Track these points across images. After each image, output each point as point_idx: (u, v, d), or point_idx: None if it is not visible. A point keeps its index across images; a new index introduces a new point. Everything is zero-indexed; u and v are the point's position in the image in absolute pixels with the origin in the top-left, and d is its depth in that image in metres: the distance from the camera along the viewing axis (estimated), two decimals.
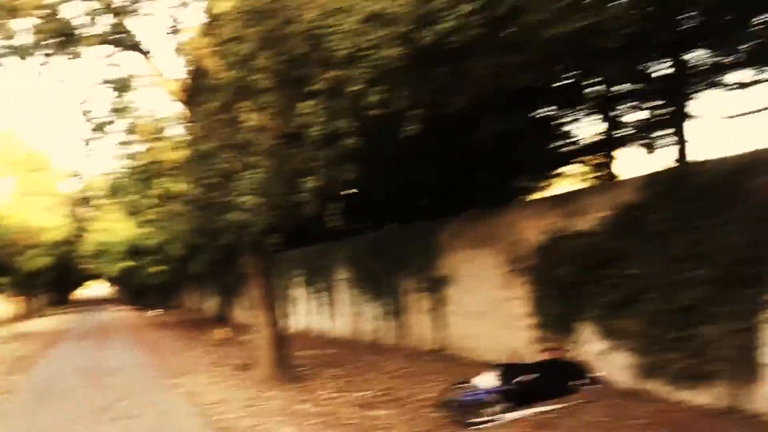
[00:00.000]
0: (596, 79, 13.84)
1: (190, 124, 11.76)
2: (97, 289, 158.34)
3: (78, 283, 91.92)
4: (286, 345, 13.89)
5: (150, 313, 45.70)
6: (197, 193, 11.15)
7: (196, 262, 28.19)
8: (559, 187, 17.11)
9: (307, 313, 24.22)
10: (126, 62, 17.66)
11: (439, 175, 16.22)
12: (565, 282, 11.41)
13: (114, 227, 35.67)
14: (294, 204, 9.41)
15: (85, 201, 57.19)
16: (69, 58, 12.61)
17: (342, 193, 10.05)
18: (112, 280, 72.63)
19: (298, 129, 9.19)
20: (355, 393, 11.85)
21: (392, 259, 17.62)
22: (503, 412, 9.58)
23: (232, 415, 10.36)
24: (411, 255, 16.76)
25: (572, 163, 16.42)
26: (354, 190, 13.97)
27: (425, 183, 16.89)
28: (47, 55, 12.15)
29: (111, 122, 12.90)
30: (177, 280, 37.79)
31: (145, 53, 12.92)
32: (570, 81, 13.69)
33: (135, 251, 31.31)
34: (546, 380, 10.36)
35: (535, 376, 10.39)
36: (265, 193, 9.08)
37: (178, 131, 12.74)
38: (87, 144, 12.55)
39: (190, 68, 12.32)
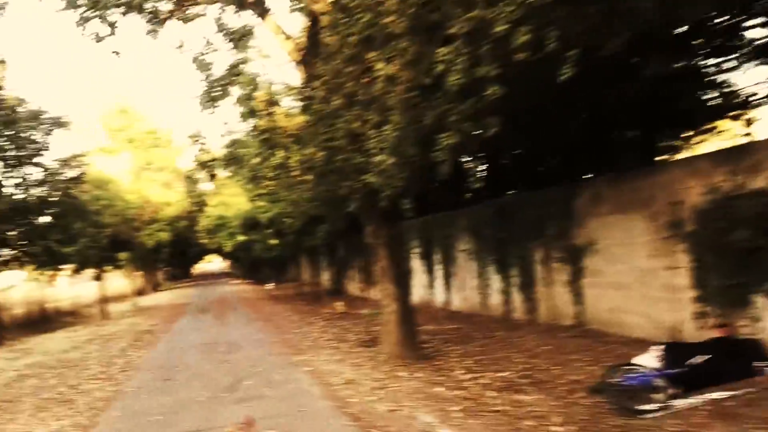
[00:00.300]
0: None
1: (310, 84, 10.85)
2: (214, 263, 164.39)
3: (196, 258, 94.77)
4: (413, 321, 12.95)
5: (267, 286, 46.15)
6: (320, 158, 10.25)
7: (314, 235, 27.71)
8: (708, 145, 15.27)
9: (423, 285, 23.25)
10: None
11: (577, 133, 14.77)
12: (739, 248, 9.86)
13: (230, 201, 35.88)
14: (429, 164, 8.34)
15: (203, 176, 58.58)
16: (187, 20, 12.06)
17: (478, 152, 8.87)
18: (227, 255, 74.41)
19: (435, 79, 8.09)
20: (491, 374, 10.77)
21: (523, 227, 16.35)
22: (672, 398, 8.27)
23: (364, 399, 9.50)
24: (545, 222, 15.44)
25: (727, 117, 14.56)
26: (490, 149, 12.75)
27: (560, 142, 15.48)
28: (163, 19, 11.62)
29: (228, 85, 12.26)
30: (291, 253, 37.70)
31: (266, 10, 12.14)
32: (731, 21, 11.97)
33: (251, 225, 31.24)
34: (720, 362, 8.88)
35: (707, 357, 8.93)
36: (398, 153, 8.05)
37: (296, 95, 11.93)
38: (207, 105, 11.88)
39: (310, 24, 11.43)
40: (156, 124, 53.17)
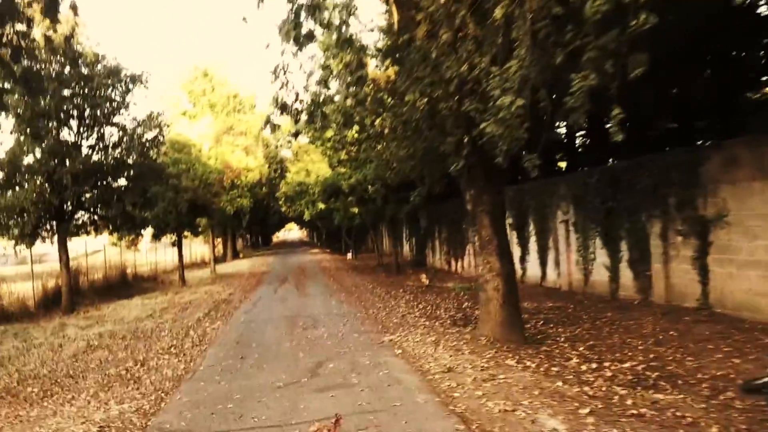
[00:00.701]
0: None
1: (407, 25, 9.33)
2: (293, 232, 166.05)
3: (276, 226, 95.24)
4: (517, 300, 11.38)
5: (348, 256, 45.28)
6: (421, 109, 8.76)
7: (400, 203, 26.41)
8: None
9: (515, 259, 21.60)
10: None
11: (701, 91, 12.82)
12: None
13: (311, 168, 34.90)
14: (559, 111, 6.74)
15: (286, 140, 57.81)
16: None
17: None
18: (306, 224, 74.10)
19: (570, 5, 6.48)
20: (613, 364, 9.13)
21: (637, 196, 14.42)
22: None
23: (470, 393, 7.91)
24: (664, 190, 13.52)
25: None
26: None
27: (681, 100, 13.53)
28: None
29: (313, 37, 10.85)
30: (372, 223, 36.50)
31: None
32: None
33: (332, 193, 30.15)
34: None
35: None
36: (523, 95, 6.46)
37: (390, 37, 10.44)
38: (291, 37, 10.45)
39: None
40: (239, 88, 52.65)
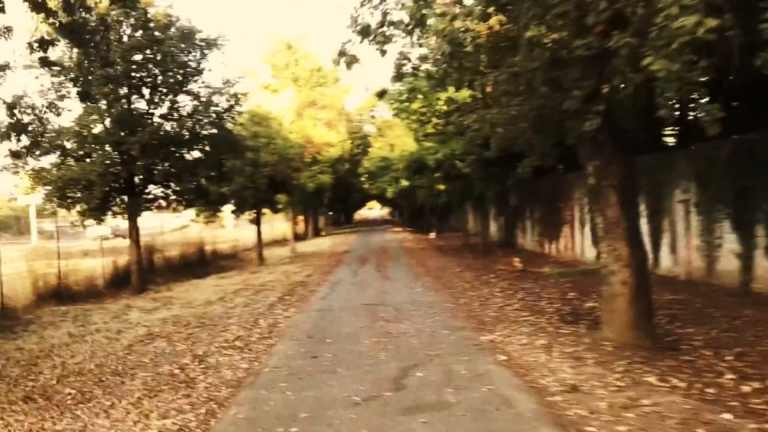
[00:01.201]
0: None
1: None
2: (375, 210, 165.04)
3: (358, 204, 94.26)
4: (650, 296, 9.24)
5: (431, 235, 43.49)
6: (543, 53, 6.77)
7: (490, 179, 24.48)
8: None
9: None
10: None
11: None
12: None
13: (396, 142, 33.14)
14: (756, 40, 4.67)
15: (370, 114, 56.16)
16: None
17: None
18: (388, 202, 72.62)
19: None
20: None
21: None
22: None
23: (611, 429, 5.94)
24: None
25: None
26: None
27: None
28: None
29: None
30: (458, 201, 34.59)
31: None
32: None
33: (416, 169, 28.28)
34: None
35: None
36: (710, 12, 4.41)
37: None
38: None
39: None
40: (322, 61, 51.23)
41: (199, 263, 29.04)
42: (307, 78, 48.84)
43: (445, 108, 26.60)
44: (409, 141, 30.99)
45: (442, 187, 28.63)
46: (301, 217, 55.30)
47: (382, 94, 12.36)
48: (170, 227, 42.31)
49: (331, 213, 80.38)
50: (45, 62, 12.13)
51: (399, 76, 10.46)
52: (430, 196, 36.05)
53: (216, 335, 11.61)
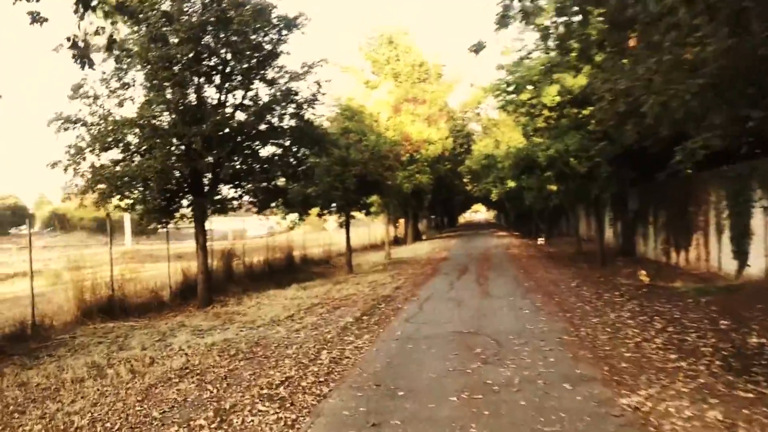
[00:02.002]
0: None
1: None
2: (480, 213, 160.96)
3: (461, 207, 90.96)
4: None
5: (539, 241, 39.97)
6: None
7: (616, 177, 21.14)
8: None
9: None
10: None
11: None
12: None
13: (501, 138, 30.04)
14: None
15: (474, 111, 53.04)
16: None
17: None
18: (494, 204, 69.15)
19: None
20: None
21: None
22: None
23: None
24: None
25: None
26: None
27: None
28: None
29: None
30: (571, 203, 31.09)
31: None
32: None
33: (524, 167, 25.04)
34: None
35: None
36: None
37: None
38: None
39: None
40: (424, 56, 48.50)
41: (286, 270, 26.95)
42: (409, 74, 46.27)
43: (557, 98, 23.49)
44: (516, 136, 27.89)
45: (553, 188, 25.30)
46: (401, 221, 52.82)
47: (478, 49, 9.36)
48: (268, 231, 40.85)
49: (432, 216, 77.54)
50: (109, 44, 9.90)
51: (503, 22, 7.55)
52: (540, 199, 32.87)
53: (261, 374, 9.01)
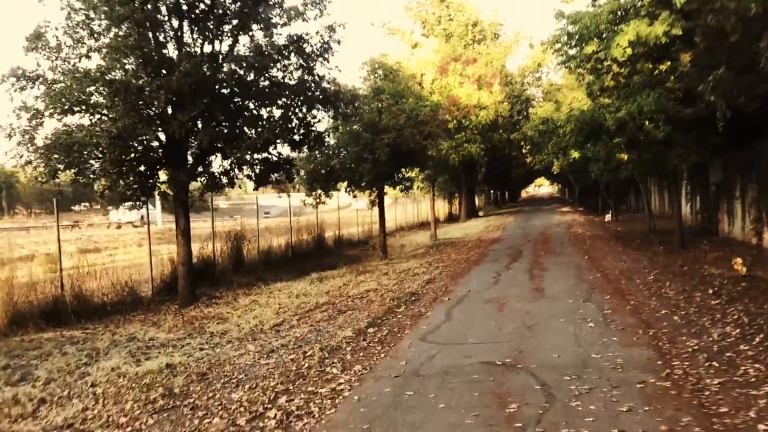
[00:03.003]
0: None
1: None
2: (543, 188, 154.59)
3: (523, 181, 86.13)
4: None
5: (606, 218, 35.79)
6: None
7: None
8: None
9: None
10: None
11: None
12: None
13: (563, 99, 26.00)
14: None
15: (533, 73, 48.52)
16: None
17: None
18: (556, 177, 64.56)
19: None
20: None
21: None
22: None
23: None
24: None
25: None
26: None
27: None
28: None
29: None
30: (643, 175, 27.00)
31: None
32: None
33: (589, 133, 21.06)
34: None
35: None
36: None
37: None
38: None
39: None
40: (482, 15, 44.25)
41: (314, 253, 23.71)
42: (462, 34, 42.15)
43: (629, 51, 19.58)
44: (580, 97, 23.89)
45: (623, 157, 21.30)
46: (454, 197, 49.12)
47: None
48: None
49: (491, 191, 73.34)
50: None
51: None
52: (608, 171, 28.86)
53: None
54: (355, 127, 20.19)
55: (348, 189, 21.45)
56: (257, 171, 15.28)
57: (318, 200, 21.00)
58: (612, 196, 36.67)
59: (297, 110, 15.24)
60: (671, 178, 22.14)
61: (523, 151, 40.56)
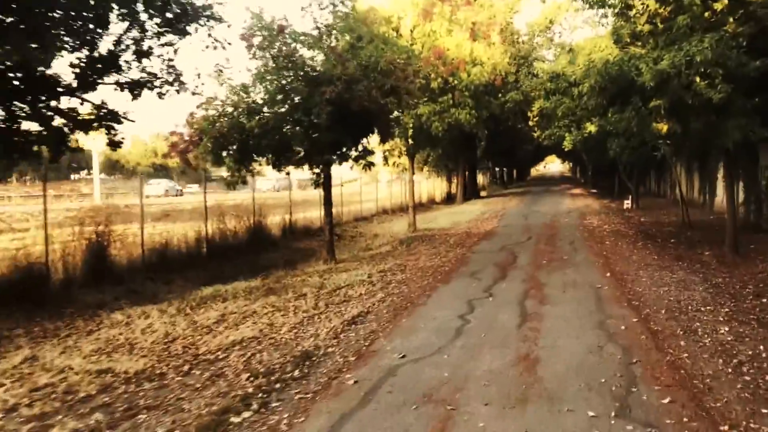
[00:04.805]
0: None
1: None
2: (554, 165, 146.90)
3: (532, 157, 79.40)
4: None
5: (625, 204, 29.84)
6: None
7: None
8: None
9: None
10: None
11: None
12: None
13: (582, 51, 19.90)
14: None
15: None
16: None
17: None
18: (568, 155, 58.25)
19: None
20: None
21: None
22: None
23: None
24: None
25: None
26: None
27: None
28: None
29: None
30: (690, 151, 21.23)
31: None
32: None
33: (615, 94, 14.97)
34: None
35: None
36: None
37: None
38: None
39: None
40: None
41: (250, 248, 17.88)
42: None
43: None
44: (603, 44, 17.91)
45: (662, 128, 15.17)
46: (457, 175, 43.06)
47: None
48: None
49: (496, 168, 67.00)
50: None
51: None
52: (630, 148, 23.04)
53: None
54: (286, 76, 14.28)
55: (276, 164, 15.35)
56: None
57: (237, 178, 15.00)
58: (633, 179, 30.72)
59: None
60: (726, 157, 16.10)
61: (530, 123, 34.41)
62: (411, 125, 21.31)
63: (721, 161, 24.42)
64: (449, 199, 43.07)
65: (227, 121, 14.16)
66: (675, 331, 8.03)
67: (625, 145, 22.67)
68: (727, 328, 8.05)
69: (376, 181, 37.01)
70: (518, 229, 21.89)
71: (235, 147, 14.42)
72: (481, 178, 62.10)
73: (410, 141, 22.16)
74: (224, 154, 14.53)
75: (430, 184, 46.70)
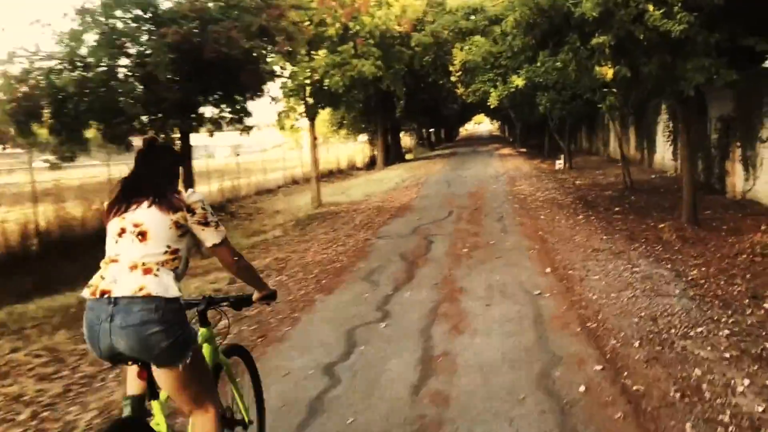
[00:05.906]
0: None
1: None
2: (483, 125, 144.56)
3: (459, 117, 76.16)
4: None
5: (557, 164, 27.24)
6: None
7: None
8: None
9: None
10: None
11: None
12: None
13: None
14: None
15: None
16: None
17: None
18: (496, 113, 55.42)
19: None
20: None
21: None
22: None
23: None
24: None
25: None
26: None
27: None
28: None
29: None
30: (631, 103, 18.69)
31: None
32: None
33: (548, 32, 11.74)
34: None
35: None
36: None
37: None
38: None
39: None
40: None
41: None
42: None
43: None
44: None
45: (607, 73, 12.05)
46: (373, 137, 39.78)
47: None
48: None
49: (422, 129, 63.70)
50: None
51: None
52: (562, 102, 20.55)
53: None
54: (119, 17, 10.56)
55: (110, 136, 11.59)
56: None
57: (67, 154, 11.27)
58: (565, 137, 28.02)
59: None
60: (683, 107, 13.15)
61: (452, 79, 31.19)
62: (308, 81, 17.77)
63: (661, 114, 21.88)
64: (372, 165, 39.90)
65: (40, 79, 10.42)
66: (668, 395, 4.84)
67: (555, 99, 20.24)
68: (747, 383, 4.94)
69: (299, 147, 33.65)
70: (438, 200, 18.66)
71: (48, 113, 10.67)
72: (408, 140, 58.86)
73: (309, 100, 18.62)
74: (35, 123, 10.76)
75: (351, 149, 43.48)
